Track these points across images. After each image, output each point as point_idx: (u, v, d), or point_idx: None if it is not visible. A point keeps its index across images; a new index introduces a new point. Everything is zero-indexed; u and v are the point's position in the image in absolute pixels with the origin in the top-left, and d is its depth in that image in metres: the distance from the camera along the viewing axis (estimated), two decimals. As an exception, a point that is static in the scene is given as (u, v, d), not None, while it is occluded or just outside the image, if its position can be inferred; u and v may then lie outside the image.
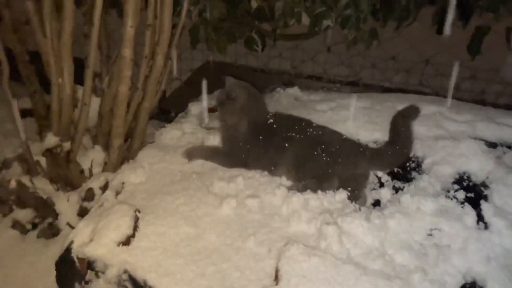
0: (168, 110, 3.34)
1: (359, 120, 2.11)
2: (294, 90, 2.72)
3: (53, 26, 1.78)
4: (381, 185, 1.83)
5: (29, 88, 2.23)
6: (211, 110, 2.70)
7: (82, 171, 2.13)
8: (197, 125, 2.36)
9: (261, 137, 1.90)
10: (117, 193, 1.86)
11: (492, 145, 1.85)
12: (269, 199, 1.75)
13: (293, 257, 1.40)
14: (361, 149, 1.84)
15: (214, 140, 2.13)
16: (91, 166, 2.14)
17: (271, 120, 1.94)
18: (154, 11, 1.89)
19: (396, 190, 1.77)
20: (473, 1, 2.61)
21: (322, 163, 1.77)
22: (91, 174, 2.13)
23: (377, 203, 1.75)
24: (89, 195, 1.99)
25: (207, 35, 2.90)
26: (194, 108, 2.71)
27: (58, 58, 1.84)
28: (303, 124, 1.93)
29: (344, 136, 1.90)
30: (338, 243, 1.45)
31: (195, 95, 3.01)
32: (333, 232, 1.47)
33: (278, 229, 1.61)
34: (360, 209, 1.65)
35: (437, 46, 3.04)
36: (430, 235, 1.54)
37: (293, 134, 1.87)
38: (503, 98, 3.15)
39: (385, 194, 1.74)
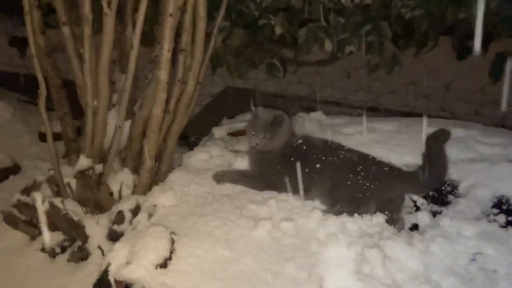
0: (187, 135, 3.37)
1: (388, 143, 2.11)
2: (318, 115, 2.73)
3: (92, 50, 1.82)
4: (417, 208, 1.81)
5: (59, 111, 2.25)
6: (234, 134, 2.73)
7: (111, 194, 2.13)
8: (223, 148, 2.36)
9: (292, 159, 1.90)
10: (150, 215, 1.85)
11: (527, 168, 1.83)
12: (304, 223, 1.73)
13: (337, 282, 1.37)
14: (396, 172, 1.83)
15: (242, 162, 2.13)
16: (121, 188, 2.14)
17: (301, 142, 1.94)
18: (188, 37, 1.93)
19: (434, 213, 1.75)
20: (492, 28, 2.66)
21: (358, 186, 1.75)
22: (120, 197, 2.13)
23: (415, 227, 1.72)
24: (119, 218, 1.98)
25: (228, 61, 2.96)
26: (218, 132, 2.73)
27: (94, 82, 1.87)
28: (334, 146, 1.93)
29: (377, 159, 1.89)
30: (382, 267, 1.42)
31: (215, 120, 3.05)
32: (376, 256, 1.44)
33: (316, 253, 1.58)
34: (399, 233, 1.63)
35: (457, 72, 3.07)
36: (474, 259, 1.50)
37: (325, 157, 1.86)
38: (524, 123, 3.15)
39: (422, 218, 1.72)
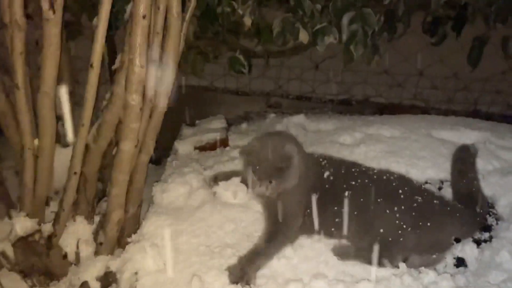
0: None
1: (403, 155, 1.82)
2: (300, 119, 2.37)
3: (26, 72, 1.24)
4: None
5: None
6: (203, 149, 2.27)
7: (65, 256, 1.59)
8: (201, 174, 1.90)
9: (315, 194, 1.51)
10: (133, 291, 1.37)
11: (562, 176, 1.65)
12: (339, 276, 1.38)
13: None
14: (449, 208, 1.48)
15: (235, 197, 1.71)
16: (77, 248, 1.60)
17: (327, 171, 1.54)
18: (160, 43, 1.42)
19: (478, 242, 1.49)
20: (469, 12, 2.50)
21: (393, 225, 1.41)
22: (77, 259, 1.60)
23: (461, 263, 1.45)
24: (84, 292, 1.47)
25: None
26: (182, 147, 2.26)
27: (32, 114, 1.30)
28: (360, 170, 1.56)
29: (422, 186, 1.55)
30: None
31: (171, 127, 2.55)
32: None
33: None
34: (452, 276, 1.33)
35: (431, 58, 2.89)
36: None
37: (353, 185, 1.49)
38: (495, 107, 3.10)
39: (470, 250, 1.45)
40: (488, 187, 1.64)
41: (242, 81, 3.08)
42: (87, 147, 1.60)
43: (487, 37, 2.51)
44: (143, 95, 1.40)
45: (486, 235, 1.51)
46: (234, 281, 1.33)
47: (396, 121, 2.16)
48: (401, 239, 1.38)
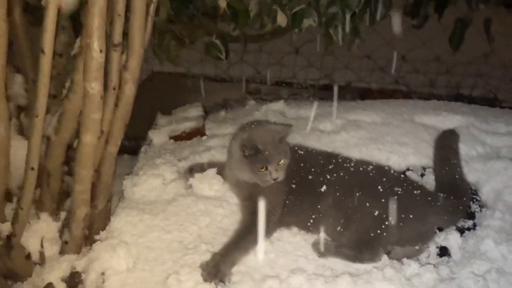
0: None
1: (384, 142, 1.76)
2: (280, 106, 2.28)
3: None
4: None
5: None
6: (179, 138, 2.17)
7: (28, 256, 1.49)
8: (176, 165, 1.81)
9: (293, 185, 1.44)
10: (99, 292, 1.28)
11: (546, 160, 1.61)
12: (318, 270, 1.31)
13: None
14: (430, 198, 1.41)
15: (210, 190, 1.62)
16: (42, 247, 1.50)
17: (302, 159, 1.47)
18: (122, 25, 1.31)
19: (461, 231, 1.44)
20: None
21: (373, 218, 1.34)
22: (42, 260, 1.50)
23: (444, 252, 1.40)
24: (49, 294, 1.37)
25: (153, 40, 2.36)
26: (156, 137, 2.16)
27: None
28: (337, 161, 1.49)
29: (401, 176, 1.48)
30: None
31: (145, 115, 2.44)
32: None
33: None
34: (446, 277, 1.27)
35: (413, 41, 2.82)
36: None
37: (330, 177, 1.42)
38: (477, 90, 3.06)
39: (453, 239, 1.40)
40: (472, 173, 1.59)
41: (221, 67, 2.97)
42: (48, 139, 1.49)
43: (470, 19, 2.44)
44: (106, 83, 1.29)
45: (469, 222, 1.46)
46: (207, 279, 1.25)
47: (377, 106, 2.10)
48: (382, 233, 1.32)
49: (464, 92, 3.03)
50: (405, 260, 1.32)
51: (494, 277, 1.22)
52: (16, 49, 1.59)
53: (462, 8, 2.37)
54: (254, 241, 1.35)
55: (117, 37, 1.30)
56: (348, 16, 2.13)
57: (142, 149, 2.09)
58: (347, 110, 2.08)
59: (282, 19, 2.19)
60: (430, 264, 1.31)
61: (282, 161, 1.36)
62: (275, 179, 1.36)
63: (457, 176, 1.47)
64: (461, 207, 1.42)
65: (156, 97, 2.98)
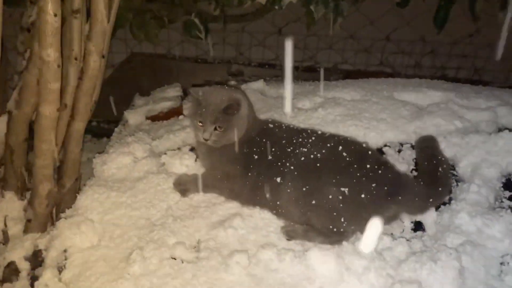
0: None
1: (361, 119, 1.71)
2: (259, 85, 2.22)
3: None
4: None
5: None
6: (155, 118, 2.11)
7: (-9, 235, 1.44)
8: (148, 144, 1.75)
9: (255, 157, 1.39)
10: (60, 269, 1.23)
11: (524, 134, 1.57)
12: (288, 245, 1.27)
13: None
14: (399, 180, 1.33)
15: (181, 166, 1.57)
16: (5, 225, 1.45)
17: (265, 132, 1.43)
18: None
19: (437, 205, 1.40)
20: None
21: (338, 198, 1.26)
22: (6, 238, 1.45)
23: (419, 226, 1.37)
24: (11, 272, 1.33)
25: (130, 19, 2.30)
26: (132, 117, 2.10)
27: None
28: (308, 133, 1.44)
29: (370, 151, 1.39)
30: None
31: (123, 97, 2.38)
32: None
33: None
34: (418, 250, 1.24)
35: (397, 21, 2.78)
36: (502, 263, 1.21)
37: (295, 151, 1.37)
38: (462, 72, 3.03)
39: (428, 214, 1.36)
40: (449, 147, 1.54)
41: (202, 48, 2.90)
42: (10, 114, 1.43)
43: (453, -5, 2.40)
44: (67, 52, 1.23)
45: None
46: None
47: (358, 84, 2.05)
48: (349, 213, 1.27)
49: (450, 74, 3.00)
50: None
51: (468, 249, 1.19)
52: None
53: None
54: (216, 182, 1.42)
55: (76, 3, 1.24)
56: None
57: (117, 129, 2.04)
58: (327, 89, 2.03)
59: (261, -3, 2.14)
60: (403, 237, 1.28)
61: (217, 128, 1.35)
62: (205, 139, 1.36)
63: (440, 169, 1.39)
64: (432, 198, 1.35)
65: (135, 79, 2.92)
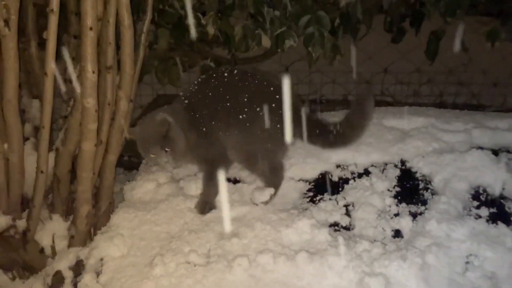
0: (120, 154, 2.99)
1: (352, 143, 1.96)
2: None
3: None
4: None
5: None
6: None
7: (42, 250, 1.75)
8: (169, 172, 2.06)
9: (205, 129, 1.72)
10: (97, 273, 1.52)
11: (494, 152, 1.78)
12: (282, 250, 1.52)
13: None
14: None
15: (197, 189, 1.86)
16: (53, 242, 1.76)
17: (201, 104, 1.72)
18: (114, 51, 1.59)
19: (414, 215, 1.63)
20: (424, 8, 2.65)
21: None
22: (54, 253, 1.75)
23: (398, 234, 1.59)
24: (58, 280, 1.62)
25: (155, 66, 2.66)
26: (157, 151, 2.41)
27: (0, 120, 1.48)
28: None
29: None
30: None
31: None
32: (378, 284, 1.28)
33: (304, 287, 1.39)
34: (390, 248, 1.47)
35: (394, 55, 3.04)
36: (468, 262, 1.41)
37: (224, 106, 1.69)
38: (460, 98, 3.23)
39: (406, 223, 1.59)
40: (426, 166, 1.77)
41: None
42: (57, 150, 1.77)
43: (443, 31, 2.66)
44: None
45: (422, 208, 1.65)
46: (202, 212, 1.70)
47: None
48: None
49: (448, 100, 3.22)
50: (358, 239, 1.52)
51: (433, 249, 1.40)
52: (33, 79, 1.90)
53: (439, 22, 2.59)
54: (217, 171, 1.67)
55: (110, 61, 1.58)
56: (326, 35, 2.39)
57: (144, 161, 2.35)
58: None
59: (266, 41, 2.46)
60: (380, 242, 1.50)
61: (166, 151, 1.61)
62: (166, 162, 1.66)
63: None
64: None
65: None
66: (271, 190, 1.72)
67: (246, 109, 1.65)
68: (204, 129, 1.69)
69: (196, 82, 1.79)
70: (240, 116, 1.65)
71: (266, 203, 1.71)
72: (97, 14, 1.41)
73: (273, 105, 1.64)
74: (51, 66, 1.39)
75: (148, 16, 1.83)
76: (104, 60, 1.59)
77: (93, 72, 1.45)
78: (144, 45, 1.85)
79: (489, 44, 2.64)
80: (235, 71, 1.73)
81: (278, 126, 1.65)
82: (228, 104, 1.66)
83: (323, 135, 1.77)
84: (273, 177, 1.74)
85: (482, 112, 2.18)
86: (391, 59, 3.09)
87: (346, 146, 1.81)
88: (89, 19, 1.37)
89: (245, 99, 1.65)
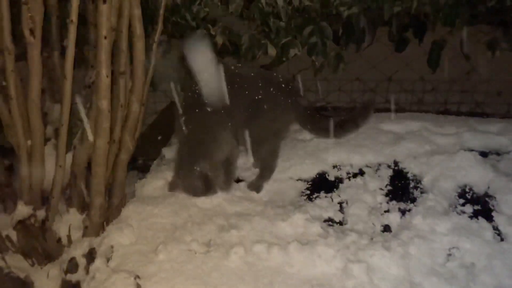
0: (134, 157, 3.16)
1: (347, 145, 2.08)
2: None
3: (18, 83, 1.60)
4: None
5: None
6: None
7: (59, 240, 1.91)
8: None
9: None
10: (108, 259, 1.67)
11: (483, 154, 1.87)
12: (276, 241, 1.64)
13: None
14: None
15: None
16: (69, 232, 1.92)
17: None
18: (126, 58, 1.76)
19: (403, 212, 1.73)
20: (426, 18, 2.75)
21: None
22: (70, 242, 1.91)
23: (387, 228, 1.69)
24: (72, 266, 1.77)
25: (170, 75, 2.83)
26: (168, 153, 2.57)
27: (24, 119, 1.65)
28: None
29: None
30: (368, 281, 1.36)
31: (163, 138, 2.88)
32: (361, 270, 1.38)
33: (295, 274, 1.50)
34: (376, 238, 1.58)
35: (398, 63, 3.14)
36: (450, 255, 1.50)
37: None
38: (464, 106, 3.29)
39: (394, 218, 1.69)
40: (418, 166, 1.87)
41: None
42: (74, 148, 1.94)
43: (444, 41, 2.75)
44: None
45: (411, 205, 1.74)
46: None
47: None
48: None
49: (452, 108, 3.28)
50: (347, 231, 1.62)
51: (416, 241, 1.50)
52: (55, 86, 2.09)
53: (442, 31, 2.69)
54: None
55: (122, 67, 1.75)
56: (328, 44, 2.52)
57: (155, 161, 2.51)
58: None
59: (272, 51, 2.62)
60: (368, 235, 1.61)
61: None
62: None
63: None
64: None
65: (174, 122, 3.44)
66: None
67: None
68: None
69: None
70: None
71: (256, 187, 1.93)
72: (111, 25, 1.58)
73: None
74: (69, 70, 1.56)
75: (160, 26, 1.99)
76: (117, 66, 1.75)
77: (107, 77, 1.61)
78: (155, 53, 2.02)
79: (490, 53, 2.73)
80: (236, 71, 2.02)
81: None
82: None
83: (321, 122, 2.02)
84: (270, 161, 1.98)
85: (474, 117, 2.26)
86: (394, 67, 3.19)
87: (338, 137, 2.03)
88: (103, 29, 1.55)
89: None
